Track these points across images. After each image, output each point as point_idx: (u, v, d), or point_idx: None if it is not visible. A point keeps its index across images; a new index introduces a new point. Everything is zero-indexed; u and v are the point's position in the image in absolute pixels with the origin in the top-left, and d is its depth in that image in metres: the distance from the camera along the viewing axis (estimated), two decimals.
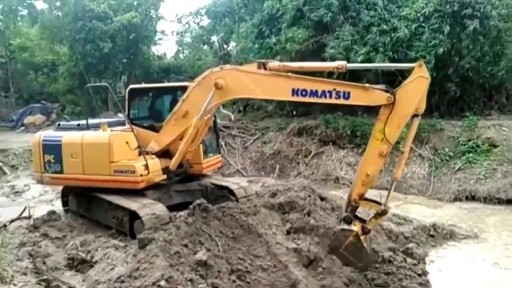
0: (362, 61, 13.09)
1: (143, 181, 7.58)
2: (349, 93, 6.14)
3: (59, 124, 8.98)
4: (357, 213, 6.17)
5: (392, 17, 13.60)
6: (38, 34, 27.86)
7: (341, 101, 6.31)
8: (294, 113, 16.65)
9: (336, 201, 7.98)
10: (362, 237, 6.06)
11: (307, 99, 6.39)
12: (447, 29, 12.52)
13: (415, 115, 5.80)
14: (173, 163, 7.45)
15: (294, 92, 6.22)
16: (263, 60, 6.69)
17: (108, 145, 7.59)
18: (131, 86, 9.26)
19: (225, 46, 23.44)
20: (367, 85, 6.20)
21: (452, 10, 12.48)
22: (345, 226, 6.06)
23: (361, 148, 13.75)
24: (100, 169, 7.72)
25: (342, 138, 13.98)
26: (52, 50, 28.27)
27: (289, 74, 6.31)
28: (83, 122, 8.54)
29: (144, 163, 7.50)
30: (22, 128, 23.28)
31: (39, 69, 29.44)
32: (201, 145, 8.35)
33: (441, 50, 12.56)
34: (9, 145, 17.36)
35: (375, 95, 5.85)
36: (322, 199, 7.78)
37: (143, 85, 9.30)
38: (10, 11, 27.34)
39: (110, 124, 8.27)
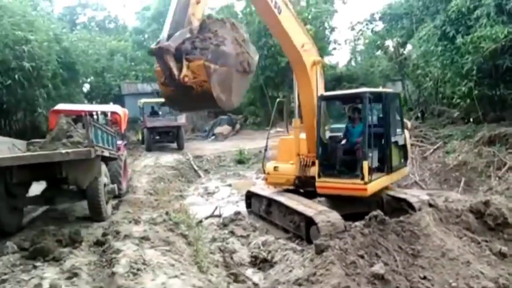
0: None
1: (268, 181, 8.92)
2: (282, 10, 7.28)
3: None
4: None
5: None
6: None
7: (275, 11, 7.31)
8: (484, 118, 14.68)
9: None
10: None
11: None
12: None
13: None
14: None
15: None
16: None
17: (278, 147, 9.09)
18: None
19: (401, 49, 22.31)
20: None
21: None
22: None
23: None
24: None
25: None
26: None
27: None
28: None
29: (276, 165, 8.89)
30: (213, 137, 26.52)
31: None
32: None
33: None
34: (203, 152, 20.03)
35: None
36: None
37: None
38: None
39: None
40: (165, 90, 5.37)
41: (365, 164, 7.47)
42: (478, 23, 12.91)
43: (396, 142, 8.43)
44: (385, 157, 8.20)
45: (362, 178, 7.45)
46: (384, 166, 8.20)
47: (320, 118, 8.11)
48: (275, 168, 8.77)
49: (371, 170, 7.55)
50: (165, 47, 5.04)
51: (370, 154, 7.70)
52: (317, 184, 8.04)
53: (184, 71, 5.07)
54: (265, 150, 9.78)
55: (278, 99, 12.28)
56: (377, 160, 8.13)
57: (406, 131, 9.26)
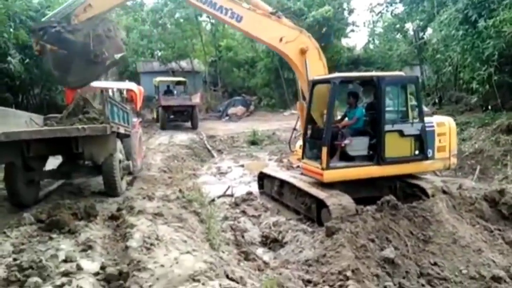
0: None
1: (294, 157, 9.50)
2: (242, 17, 7.20)
3: None
4: None
5: None
6: (242, 34, 31.20)
7: (234, 22, 7.31)
8: (503, 106, 14.34)
9: None
10: None
11: (203, 7, 7.35)
12: None
13: None
14: None
15: None
16: None
17: None
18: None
19: (421, 33, 21.78)
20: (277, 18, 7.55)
21: None
22: None
23: None
24: None
25: None
26: (252, 48, 31.30)
27: None
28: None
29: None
30: (227, 117, 26.52)
31: (241, 66, 33.09)
32: None
33: None
34: (217, 132, 20.08)
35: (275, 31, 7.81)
36: None
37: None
38: None
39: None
40: None
41: (324, 150, 7.36)
42: (501, 5, 12.50)
43: (400, 131, 7.68)
44: (376, 146, 7.67)
45: (321, 163, 7.45)
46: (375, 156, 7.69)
47: (310, 102, 8.15)
48: (300, 146, 8.99)
49: (328, 156, 7.39)
50: (33, 27, 7.53)
51: (347, 141, 7.59)
52: (301, 164, 8.38)
53: (38, 47, 7.25)
54: (294, 129, 9.87)
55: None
56: (368, 148, 7.80)
57: (449, 120, 8.72)
